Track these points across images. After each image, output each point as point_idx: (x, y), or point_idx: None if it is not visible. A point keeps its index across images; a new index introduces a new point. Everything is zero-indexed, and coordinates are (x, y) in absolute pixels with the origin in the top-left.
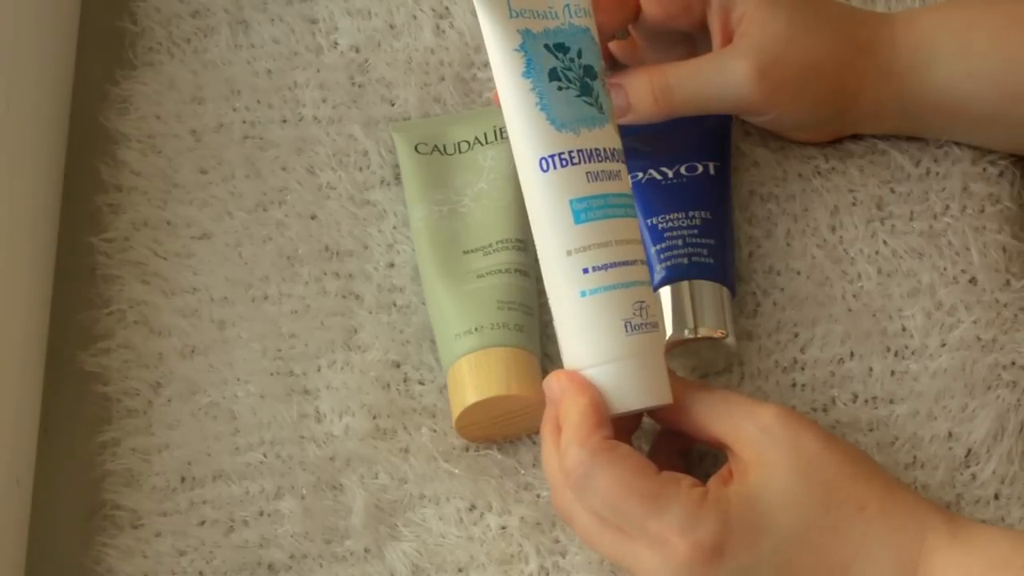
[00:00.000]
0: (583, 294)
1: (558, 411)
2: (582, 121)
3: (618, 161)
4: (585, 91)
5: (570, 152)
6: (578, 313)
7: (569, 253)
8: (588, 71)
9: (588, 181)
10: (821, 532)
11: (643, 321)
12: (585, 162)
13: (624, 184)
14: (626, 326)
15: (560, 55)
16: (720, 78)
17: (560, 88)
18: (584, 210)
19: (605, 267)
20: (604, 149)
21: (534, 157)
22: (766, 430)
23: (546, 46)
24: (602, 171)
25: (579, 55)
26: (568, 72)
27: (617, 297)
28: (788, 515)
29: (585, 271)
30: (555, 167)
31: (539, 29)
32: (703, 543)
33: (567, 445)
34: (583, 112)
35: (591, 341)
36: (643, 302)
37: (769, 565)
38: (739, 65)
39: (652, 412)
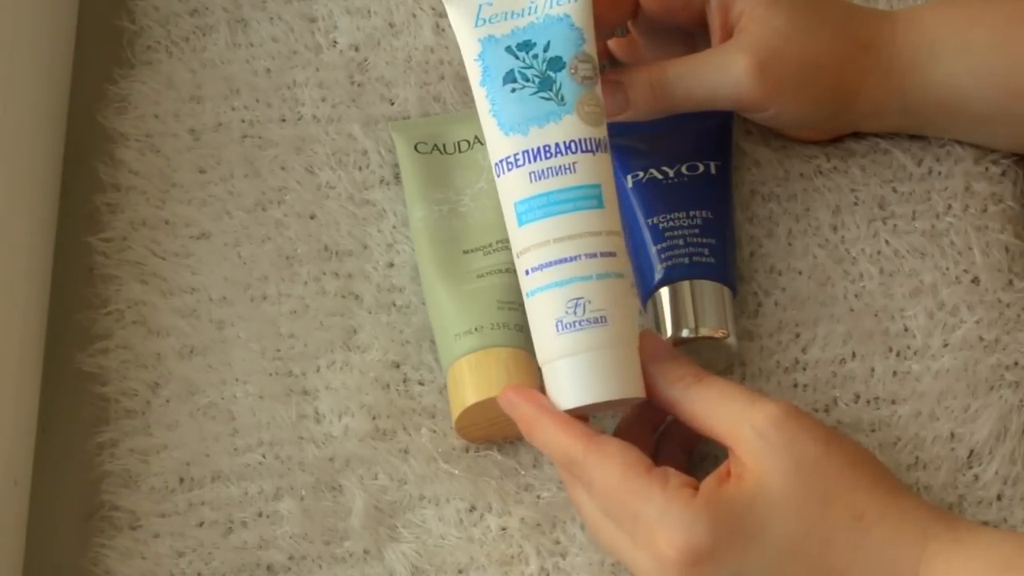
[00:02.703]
0: (528, 295)
1: (519, 425)
2: (533, 119)
3: (576, 152)
4: (544, 86)
5: (515, 155)
6: (529, 315)
7: (518, 256)
8: (553, 63)
9: (530, 182)
10: (815, 542)
11: (578, 318)
12: (529, 162)
13: (581, 175)
14: (557, 325)
15: (521, 54)
16: (719, 73)
17: (513, 90)
18: (525, 212)
19: (541, 267)
20: (556, 144)
21: (492, 164)
22: (763, 435)
23: (507, 48)
24: (549, 168)
25: (546, 48)
26: (527, 70)
27: (550, 297)
28: (782, 524)
29: (527, 272)
30: (504, 171)
31: (505, 32)
32: (689, 546)
33: (562, 445)
34: (536, 110)
35: (536, 341)
36: (579, 299)
37: (760, 572)
38: (738, 60)
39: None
